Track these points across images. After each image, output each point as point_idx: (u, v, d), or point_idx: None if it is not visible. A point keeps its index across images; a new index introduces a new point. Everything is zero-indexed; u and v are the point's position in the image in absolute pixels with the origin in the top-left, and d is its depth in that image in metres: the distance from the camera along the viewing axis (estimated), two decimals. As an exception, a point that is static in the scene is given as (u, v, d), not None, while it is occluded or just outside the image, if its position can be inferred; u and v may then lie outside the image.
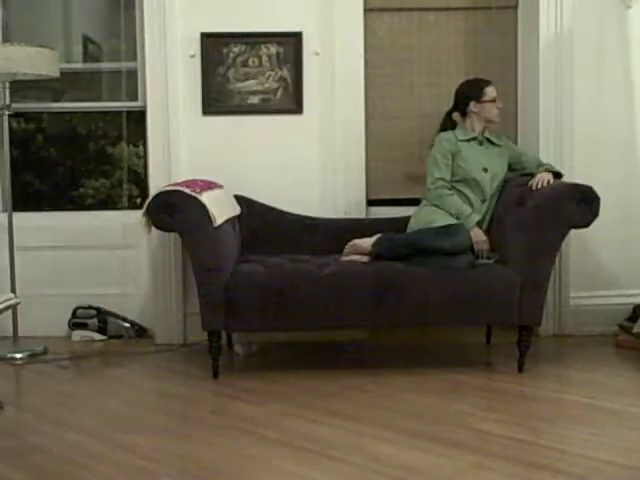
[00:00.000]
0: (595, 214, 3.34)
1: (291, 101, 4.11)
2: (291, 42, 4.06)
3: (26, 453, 2.62)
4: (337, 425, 2.84)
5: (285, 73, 4.09)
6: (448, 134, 3.77)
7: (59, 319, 4.18)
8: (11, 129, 4.15)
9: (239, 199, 3.95)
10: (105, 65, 4.39)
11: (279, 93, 4.11)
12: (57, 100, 4.46)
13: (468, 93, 3.77)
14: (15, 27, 4.36)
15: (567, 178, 3.71)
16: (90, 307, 4.19)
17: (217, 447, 2.65)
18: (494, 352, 3.92)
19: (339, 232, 3.88)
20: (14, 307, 3.53)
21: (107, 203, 4.49)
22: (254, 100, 4.11)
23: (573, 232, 3.62)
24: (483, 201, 3.71)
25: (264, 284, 3.37)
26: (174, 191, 3.38)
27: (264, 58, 4.08)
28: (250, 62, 4.08)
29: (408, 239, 3.58)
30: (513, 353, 3.47)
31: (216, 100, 4.09)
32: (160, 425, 2.92)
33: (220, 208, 3.48)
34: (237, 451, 2.61)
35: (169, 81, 4.03)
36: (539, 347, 3.83)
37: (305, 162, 4.13)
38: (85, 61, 4.44)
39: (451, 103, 3.85)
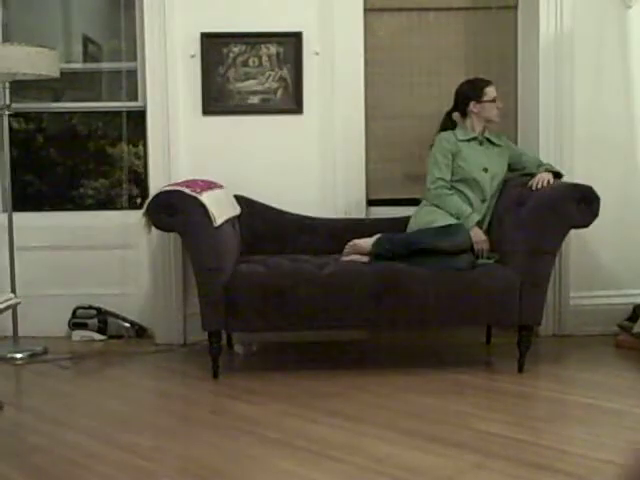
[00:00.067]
0: (595, 214, 3.34)
1: (291, 101, 4.11)
2: (291, 42, 4.06)
3: (26, 453, 2.62)
4: (337, 425, 2.84)
5: (285, 73, 4.09)
6: (448, 134, 3.77)
7: (59, 319, 4.18)
8: (11, 129, 4.15)
9: (239, 199, 3.95)
10: (105, 65, 4.39)
11: (279, 93, 4.11)
12: (57, 100, 4.46)
13: (468, 93, 3.77)
14: (15, 27, 4.36)
15: (567, 178, 3.72)
16: (90, 307, 4.19)
17: (217, 447, 2.65)
18: (494, 352, 3.92)
19: (339, 232, 3.88)
20: (14, 307, 3.53)
21: (107, 203, 4.49)
22: (254, 100, 4.11)
23: (573, 232, 3.62)
24: (483, 201, 3.71)
25: (264, 284, 3.37)
26: (174, 191, 3.38)
27: (264, 58, 4.08)
28: (250, 62, 4.08)
29: (408, 239, 3.58)
30: (513, 353, 3.47)
31: (216, 100, 4.09)
32: (160, 425, 2.92)
33: (220, 208, 3.48)
34: (237, 451, 2.62)
35: (169, 81, 4.03)
36: (539, 347, 3.83)
37: (305, 162, 4.13)
38: (85, 61, 4.44)
39: (451, 103, 3.85)
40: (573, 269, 4.09)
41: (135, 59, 4.24)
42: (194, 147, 4.08)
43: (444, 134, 3.77)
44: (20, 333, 3.95)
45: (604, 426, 2.82)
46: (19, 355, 3.83)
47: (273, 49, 4.08)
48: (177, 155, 4.06)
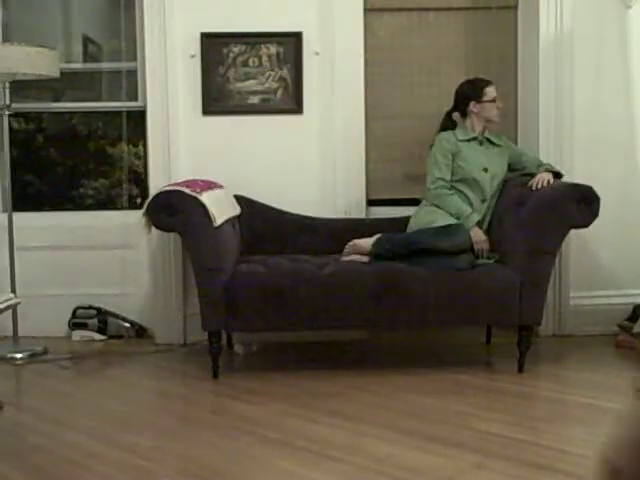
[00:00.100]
0: (595, 214, 3.34)
1: (291, 101, 4.11)
2: (291, 42, 4.06)
3: (26, 453, 2.62)
4: (337, 425, 2.84)
5: (285, 73, 4.09)
6: (448, 134, 3.77)
7: (59, 319, 4.18)
8: (11, 129, 4.15)
9: (239, 199, 3.95)
10: (105, 65, 4.39)
11: (279, 93, 4.11)
12: (57, 100, 4.46)
13: (468, 93, 3.77)
14: (15, 27, 4.36)
15: (567, 178, 3.71)
16: (90, 307, 4.18)
17: (217, 447, 2.65)
18: (494, 352, 3.92)
19: (339, 232, 3.88)
20: (14, 307, 3.53)
21: (107, 203, 4.49)
22: (254, 100, 4.11)
23: (573, 232, 3.62)
24: (483, 201, 3.71)
25: (264, 284, 3.37)
26: (174, 191, 3.38)
27: (264, 58, 4.08)
28: (250, 62, 4.08)
29: (408, 239, 3.58)
30: (513, 353, 3.46)
31: (216, 100, 4.09)
32: (160, 425, 2.92)
33: (220, 208, 3.48)
34: (237, 451, 2.61)
35: (169, 81, 4.03)
36: (539, 347, 3.83)
37: (305, 162, 4.13)
38: (85, 61, 4.44)
39: (451, 103, 3.85)
40: (573, 269, 4.09)
41: (135, 59, 4.24)
42: (194, 147, 4.08)
43: (444, 134, 3.77)
44: (20, 333, 3.95)
45: (604, 426, 2.81)
46: (19, 355, 3.83)
47: (273, 49, 4.08)
48: (177, 155, 4.06)
